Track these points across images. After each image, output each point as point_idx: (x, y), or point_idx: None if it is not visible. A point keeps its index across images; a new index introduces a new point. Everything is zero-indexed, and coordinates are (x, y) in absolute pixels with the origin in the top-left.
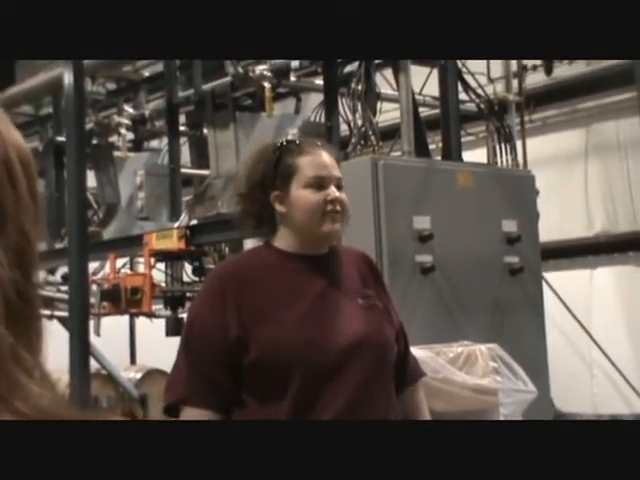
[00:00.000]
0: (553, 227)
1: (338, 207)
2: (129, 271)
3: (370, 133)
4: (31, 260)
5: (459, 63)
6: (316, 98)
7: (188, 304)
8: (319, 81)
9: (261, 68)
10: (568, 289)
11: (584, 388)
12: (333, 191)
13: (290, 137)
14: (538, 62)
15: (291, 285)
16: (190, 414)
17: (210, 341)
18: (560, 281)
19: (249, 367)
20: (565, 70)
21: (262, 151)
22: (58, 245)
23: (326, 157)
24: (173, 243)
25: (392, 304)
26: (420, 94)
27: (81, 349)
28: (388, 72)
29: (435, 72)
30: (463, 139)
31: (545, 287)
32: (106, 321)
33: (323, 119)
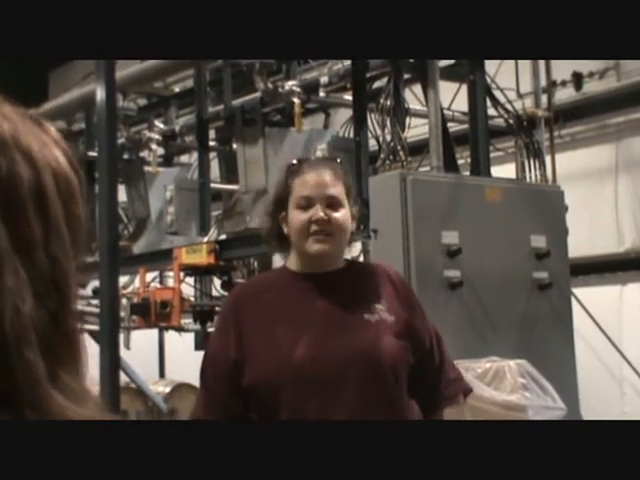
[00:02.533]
0: (582, 243)
1: (325, 227)
2: (159, 285)
3: (399, 148)
4: (65, 287)
5: (488, 79)
6: (345, 113)
7: (217, 318)
8: (348, 96)
9: (290, 84)
10: (598, 305)
11: (614, 406)
12: (317, 211)
13: (319, 152)
14: (567, 77)
15: (291, 305)
16: None
17: (217, 365)
18: (590, 297)
19: (247, 389)
20: (595, 85)
21: (282, 171)
22: (89, 259)
23: (322, 176)
24: (202, 257)
25: (425, 320)
26: (449, 109)
27: (111, 363)
28: (417, 87)
29: (464, 87)
30: (492, 154)
31: (574, 303)
32: (135, 335)
33: (352, 134)
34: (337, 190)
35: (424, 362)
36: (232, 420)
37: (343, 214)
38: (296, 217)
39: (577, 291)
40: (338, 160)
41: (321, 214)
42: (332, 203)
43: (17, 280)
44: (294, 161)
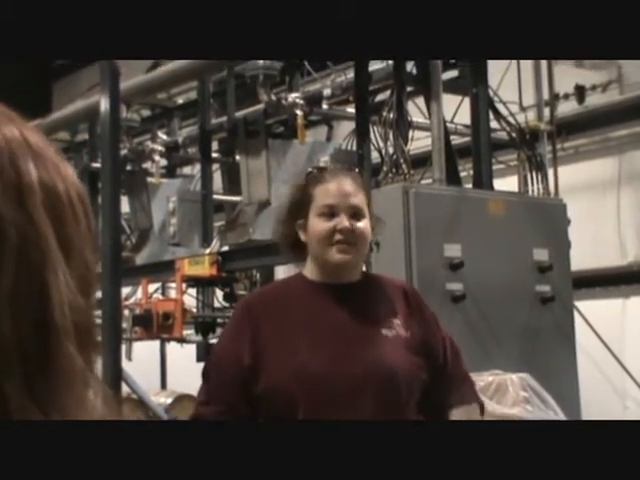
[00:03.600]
0: (585, 256)
1: (349, 237)
2: (161, 296)
3: (401, 161)
4: (92, 288)
5: (491, 91)
6: (348, 126)
7: (219, 330)
8: (351, 109)
9: (293, 96)
10: (600, 318)
11: (616, 419)
12: (342, 220)
13: (323, 164)
14: (570, 90)
15: (310, 316)
16: None
17: (225, 369)
18: (592, 310)
19: (259, 396)
20: (597, 98)
21: (298, 179)
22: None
23: (345, 185)
24: (205, 269)
25: (438, 333)
26: (451, 122)
27: (113, 373)
28: (420, 100)
29: (467, 100)
30: (494, 167)
31: (577, 316)
32: (137, 346)
33: (355, 147)
34: (359, 200)
35: (438, 377)
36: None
37: (365, 224)
38: (319, 225)
39: (580, 304)
40: (357, 170)
41: (346, 223)
42: (355, 213)
43: (66, 278)
44: (312, 169)
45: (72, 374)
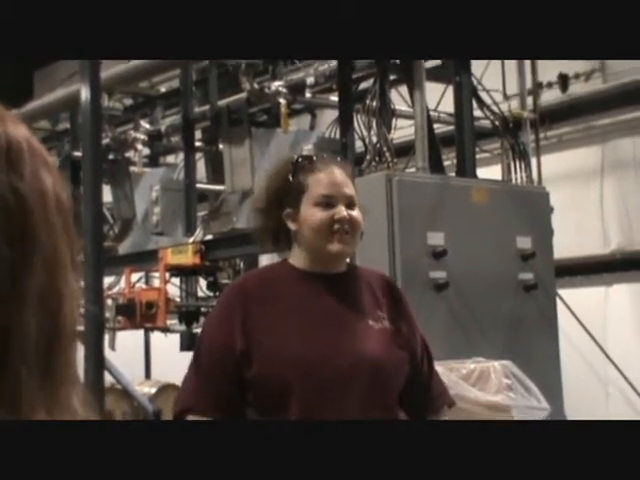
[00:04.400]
0: (568, 244)
1: (346, 226)
2: (144, 286)
3: (385, 149)
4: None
5: (474, 80)
6: (331, 114)
7: (202, 319)
8: (334, 97)
9: (276, 84)
10: (583, 306)
11: (599, 406)
12: (341, 210)
13: (306, 153)
14: (553, 79)
15: (300, 304)
16: None
17: (216, 352)
18: (575, 298)
19: (252, 381)
20: (580, 87)
21: (280, 167)
22: (73, 268)
23: (338, 175)
24: (188, 258)
25: (415, 328)
26: (435, 111)
27: (96, 363)
28: (403, 89)
29: (450, 89)
30: (478, 156)
31: (560, 304)
32: (121, 335)
33: (338, 135)
34: (352, 190)
35: (415, 373)
36: (225, 409)
37: (358, 213)
38: (315, 215)
39: (562, 292)
40: (338, 159)
41: (344, 213)
42: (349, 202)
43: (76, 286)
44: (303, 156)
45: (70, 371)
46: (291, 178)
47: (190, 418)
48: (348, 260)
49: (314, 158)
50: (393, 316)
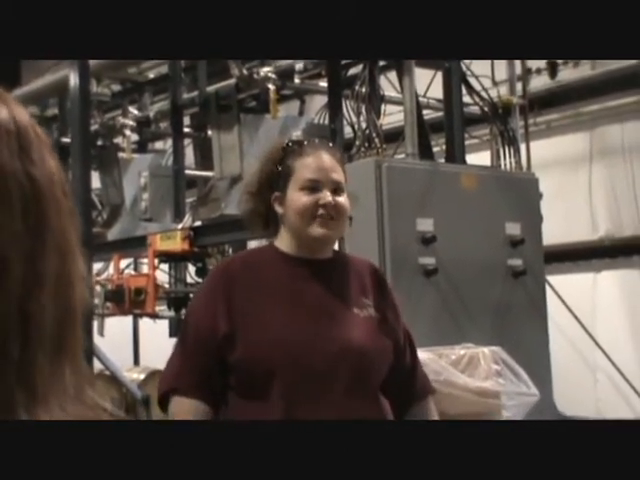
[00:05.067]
0: (557, 230)
1: (331, 212)
2: (133, 272)
3: (374, 135)
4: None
5: (463, 66)
6: (320, 100)
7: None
8: (323, 83)
9: (265, 70)
10: (572, 293)
11: (587, 392)
12: (326, 195)
13: (297, 137)
14: (542, 65)
15: (286, 288)
16: (180, 403)
17: (201, 335)
18: (564, 284)
19: (235, 365)
20: (569, 73)
21: (271, 151)
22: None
23: (325, 159)
24: (177, 244)
25: (399, 318)
26: (424, 97)
27: (85, 349)
28: (392, 75)
29: (439, 75)
30: (467, 142)
31: (548, 290)
32: (110, 322)
33: (327, 121)
34: (339, 175)
35: (398, 362)
36: (208, 390)
37: (345, 199)
38: (301, 199)
39: (551, 278)
40: (330, 144)
41: (329, 198)
42: (336, 188)
43: (84, 270)
44: (294, 140)
45: (79, 355)
46: (280, 162)
47: (176, 399)
48: (337, 247)
49: (305, 142)
50: (379, 304)
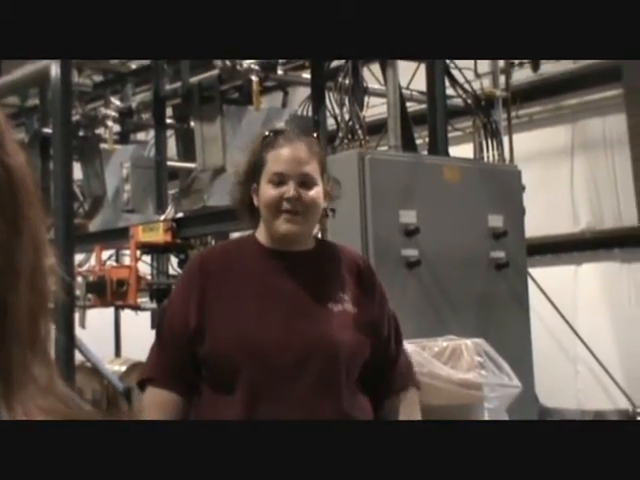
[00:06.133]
0: (538, 223)
1: (297, 206)
2: (115, 263)
3: (357, 127)
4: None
5: None
6: (303, 92)
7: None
8: (306, 75)
9: (248, 62)
10: (553, 285)
11: (568, 384)
12: (290, 188)
13: (280, 127)
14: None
15: (258, 282)
16: (152, 394)
17: (174, 328)
18: (545, 277)
19: (203, 358)
20: (551, 67)
21: (254, 140)
22: (49, 245)
23: (298, 152)
24: (159, 236)
25: (384, 312)
26: (407, 89)
27: (66, 341)
28: (375, 67)
29: (422, 67)
30: (450, 134)
31: (530, 283)
32: (91, 313)
33: (310, 113)
34: (311, 167)
35: (380, 354)
36: (182, 381)
37: (316, 192)
38: (267, 192)
39: (533, 271)
40: (315, 135)
41: (293, 192)
42: (305, 181)
43: (53, 262)
44: (269, 132)
45: (49, 347)
46: (258, 153)
47: (150, 389)
48: (320, 235)
49: (282, 133)
50: (359, 298)
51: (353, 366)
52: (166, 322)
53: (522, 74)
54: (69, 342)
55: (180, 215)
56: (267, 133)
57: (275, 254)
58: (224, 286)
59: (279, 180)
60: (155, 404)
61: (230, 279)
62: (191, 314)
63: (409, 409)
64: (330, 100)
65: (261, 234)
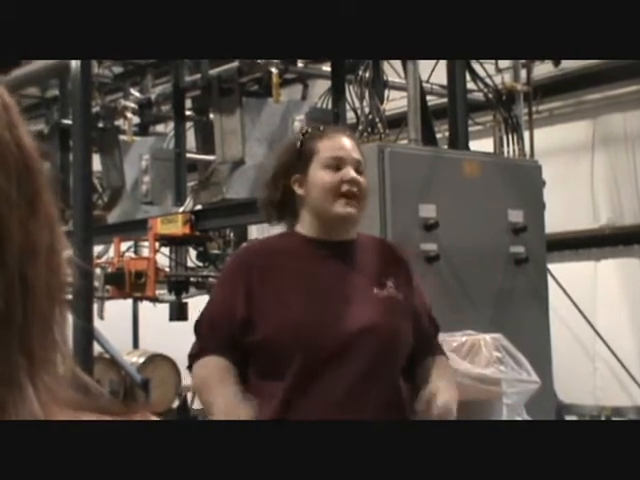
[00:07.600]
0: (558, 218)
1: (355, 189)
2: (133, 255)
3: (377, 120)
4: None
5: None
6: (323, 85)
7: (192, 289)
8: (326, 67)
9: None
10: (572, 281)
11: (587, 380)
12: (349, 171)
13: (297, 123)
14: None
15: (305, 270)
16: (209, 359)
17: (220, 317)
18: (564, 273)
19: (254, 346)
20: (572, 62)
21: (287, 142)
22: (62, 228)
23: (346, 140)
24: (178, 228)
25: (419, 292)
26: (428, 82)
27: (84, 333)
28: (396, 60)
29: (443, 61)
30: (470, 128)
31: (549, 278)
32: (109, 305)
33: (330, 106)
34: (360, 156)
35: (420, 342)
36: (236, 353)
37: (366, 180)
38: (324, 177)
39: (552, 267)
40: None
41: (353, 174)
42: (358, 168)
43: (65, 242)
44: (312, 126)
45: (65, 329)
46: (299, 145)
47: (203, 359)
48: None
49: (323, 127)
50: (401, 286)
51: (399, 352)
52: (209, 314)
53: (543, 69)
54: (87, 333)
55: (199, 207)
56: (308, 129)
57: (320, 243)
58: (270, 277)
59: (336, 165)
60: (216, 368)
61: (276, 270)
62: (239, 304)
63: (442, 370)
64: (350, 93)
65: (304, 226)
